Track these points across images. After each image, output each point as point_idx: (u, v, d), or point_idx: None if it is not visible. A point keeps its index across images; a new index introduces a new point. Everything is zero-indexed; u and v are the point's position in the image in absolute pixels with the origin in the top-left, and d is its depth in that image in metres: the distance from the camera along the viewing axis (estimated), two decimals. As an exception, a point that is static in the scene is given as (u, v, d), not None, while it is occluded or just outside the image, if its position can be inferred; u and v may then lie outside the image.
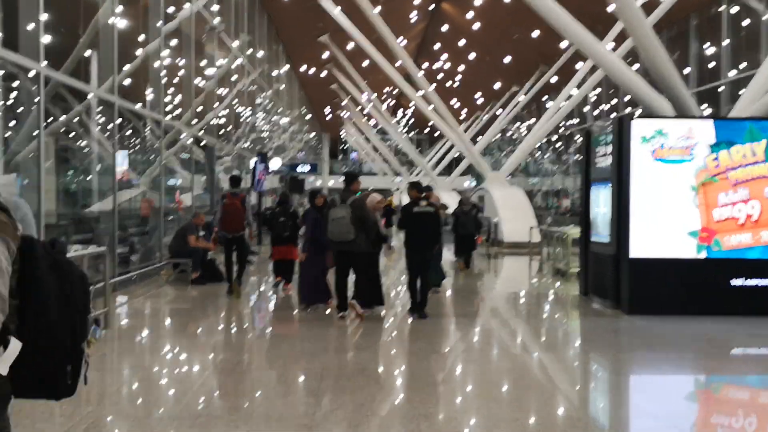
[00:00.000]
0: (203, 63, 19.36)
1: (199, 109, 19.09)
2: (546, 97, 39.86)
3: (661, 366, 6.90)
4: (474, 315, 10.06)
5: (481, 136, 35.66)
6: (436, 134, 59.29)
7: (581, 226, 11.10)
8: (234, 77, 23.46)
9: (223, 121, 23.19)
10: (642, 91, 10.40)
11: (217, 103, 20.39)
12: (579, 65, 30.00)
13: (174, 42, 16.36)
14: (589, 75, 25.68)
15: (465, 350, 7.55)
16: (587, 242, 10.72)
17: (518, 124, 46.64)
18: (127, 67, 13.03)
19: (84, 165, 14.46)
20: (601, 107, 34.83)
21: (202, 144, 19.11)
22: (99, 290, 8.04)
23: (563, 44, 30.01)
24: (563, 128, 36.97)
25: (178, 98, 17.04)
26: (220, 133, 23.24)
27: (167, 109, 16.50)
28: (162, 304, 10.60)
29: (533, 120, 44.22)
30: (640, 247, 9.23)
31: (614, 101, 32.88)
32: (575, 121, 36.27)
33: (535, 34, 30.37)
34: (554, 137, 40.09)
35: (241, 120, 24.61)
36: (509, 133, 48.63)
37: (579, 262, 11.27)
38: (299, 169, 31.87)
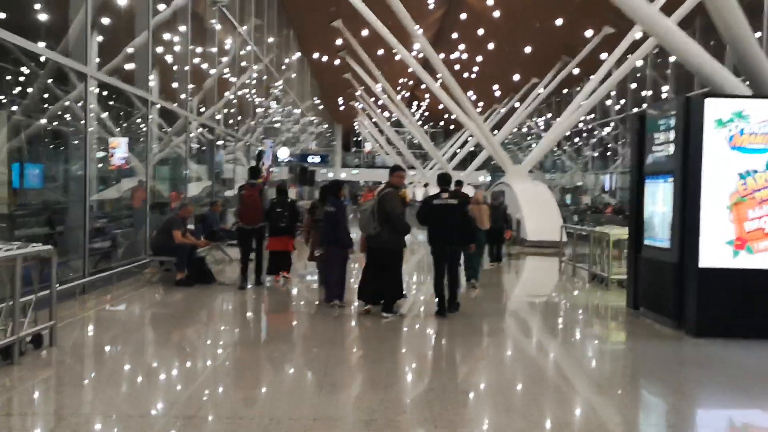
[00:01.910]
0: (209, 48, 17.59)
1: (195, 90, 17.40)
2: (566, 90, 37.99)
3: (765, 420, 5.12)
4: (501, 332, 8.27)
5: (496, 131, 33.79)
6: (451, 127, 57.51)
7: (631, 227, 9.28)
8: (242, 63, 21.75)
9: (230, 110, 21.52)
10: (713, 70, 8.53)
11: (217, 89, 18.58)
12: (603, 56, 28.20)
13: (175, 24, 14.66)
14: (615, 68, 23.74)
15: (491, 391, 5.78)
16: (637, 246, 8.92)
17: (535, 118, 44.68)
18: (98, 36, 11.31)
19: (58, 149, 12.78)
20: (621, 102, 32.95)
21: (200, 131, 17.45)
22: (45, 299, 6.36)
23: (588, 33, 28.20)
24: (584, 121, 34.98)
25: (176, 82, 15.27)
26: (229, 122, 21.65)
27: (160, 89, 14.86)
28: (135, 310, 8.83)
29: (549, 114, 42.43)
30: (713, 255, 7.42)
31: (643, 93, 31.00)
32: (591, 117, 34.33)
33: (558, 22, 28.52)
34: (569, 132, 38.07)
35: (249, 108, 22.84)
36: (526, 128, 46.61)
37: (627, 270, 9.46)
38: (309, 160, 30.08)
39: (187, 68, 14.66)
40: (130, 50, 12.00)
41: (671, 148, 7.96)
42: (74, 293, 8.82)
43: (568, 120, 22.54)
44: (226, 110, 20.68)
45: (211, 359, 6.37)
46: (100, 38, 10.57)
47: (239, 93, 21.69)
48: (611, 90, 24.15)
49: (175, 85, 15.30)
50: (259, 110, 24.91)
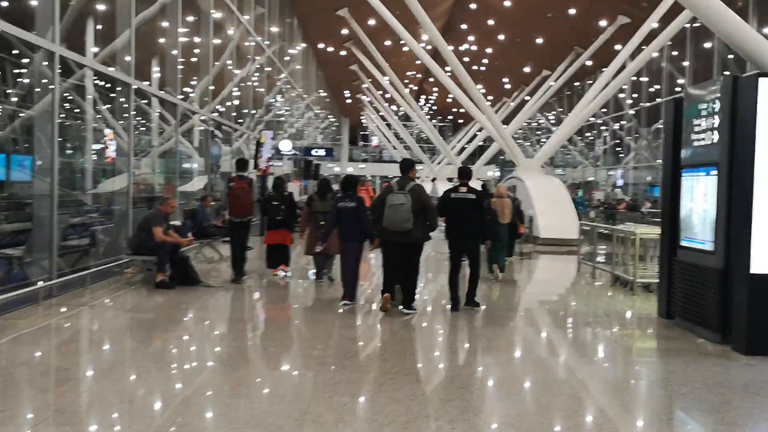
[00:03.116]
0: (208, 37, 16.53)
1: (194, 82, 16.39)
2: (577, 83, 36.73)
3: None
4: (518, 344, 7.20)
5: (505, 126, 32.58)
6: (459, 122, 56.36)
7: (664, 226, 8.17)
8: (243, 53, 20.70)
9: (232, 102, 20.50)
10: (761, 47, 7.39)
11: (210, 75, 17.51)
12: (618, 47, 26.96)
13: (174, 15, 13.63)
14: (629, 60, 22.52)
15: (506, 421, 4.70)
16: (672, 248, 7.81)
17: (544, 112, 43.41)
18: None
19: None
20: (634, 95, 31.67)
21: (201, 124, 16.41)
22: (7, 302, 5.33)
23: (602, 23, 26.95)
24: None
25: (168, 69, 14.19)
26: (233, 114, 20.63)
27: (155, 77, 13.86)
28: (100, 318, 7.64)
29: (561, 108, 41.16)
30: (767, 259, 6.32)
31: (657, 87, 29.74)
32: (603, 110, 33.03)
33: (571, 12, 27.30)
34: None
35: (249, 100, 21.75)
36: (535, 122, 45.35)
37: (659, 274, 8.36)
38: (314, 153, 28.97)
39: (175, 51, 13.58)
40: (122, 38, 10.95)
41: (715, 136, 6.85)
42: (36, 298, 7.78)
43: (582, 112, 21.33)
44: (228, 102, 19.67)
45: (182, 384, 5.31)
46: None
47: (240, 83, 20.63)
48: (627, 82, 22.85)
49: (156, 69, 14.27)
50: (263, 101, 23.88)
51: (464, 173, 8.43)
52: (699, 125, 7.22)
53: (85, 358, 6.07)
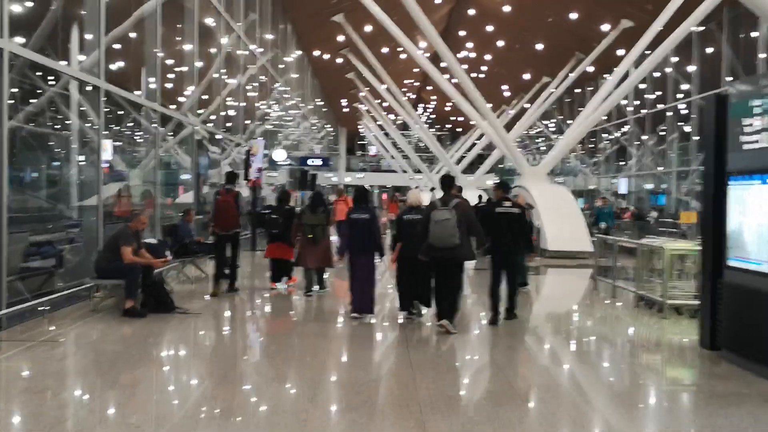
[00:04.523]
0: (200, 45, 15.43)
1: (188, 91, 15.28)
2: (578, 90, 35.63)
3: None
4: (538, 390, 6.00)
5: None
6: (458, 130, 55.27)
7: (706, 243, 6.99)
8: (234, 60, 19.59)
9: (227, 111, 19.41)
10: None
11: (198, 82, 16.38)
12: (620, 52, 25.88)
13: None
14: (634, 66, 21.38)
15: None
16: (717, 267, 6.64)
17: (544, 120, 42.29)
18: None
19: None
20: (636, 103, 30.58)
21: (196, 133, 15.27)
22: None
23: (604, 27, 25.86)
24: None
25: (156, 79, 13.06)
26: (227, 125, 19.54)
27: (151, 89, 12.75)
28: (52, 360, 6.23)
29: (561, 116, 40.04)
30: None
31: (658, 93, 28.67)
32: (604, 117, 31.85)
33: (573, 16, 26.20)
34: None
35: (240, 109, 20.60)
36: (535, 130, 44.22)
37: (700, 297, 7.18)
38: (310, 163, 27.76)
39: (158, 53, 12.44)
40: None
41: (774, 138, 5.70)
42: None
43: (589, 118, 20.16)
44: (223, 112, 18.59)
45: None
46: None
47: (231, 92, 19.50)
48: (635, 86, 21.73)
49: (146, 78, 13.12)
50: (255, 110, 22.75)
51: (504, 187, 8.51)
52: (750, 125, 6.07)
53: (11, 416, 4.87)
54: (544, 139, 44.19)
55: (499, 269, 8.18)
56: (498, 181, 9.07)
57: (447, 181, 7.95)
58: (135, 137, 16.25)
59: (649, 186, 30.53)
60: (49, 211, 11.12)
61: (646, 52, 20.32)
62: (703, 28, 22.75)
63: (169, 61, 15.32)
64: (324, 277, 10.27)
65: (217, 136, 18.14)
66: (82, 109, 10.00)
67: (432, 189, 40.45)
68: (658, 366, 6.83)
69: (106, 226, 9.68)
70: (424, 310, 8.28)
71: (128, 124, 16.14)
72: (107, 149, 10.92)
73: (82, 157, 10.82)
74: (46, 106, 11.30)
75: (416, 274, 7.94)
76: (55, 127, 12.20)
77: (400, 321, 8.13)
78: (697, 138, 24.52)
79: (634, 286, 9.48)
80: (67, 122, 10.98)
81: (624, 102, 30.65)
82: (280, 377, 5.85)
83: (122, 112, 15.04)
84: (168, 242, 10.64)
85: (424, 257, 7.47)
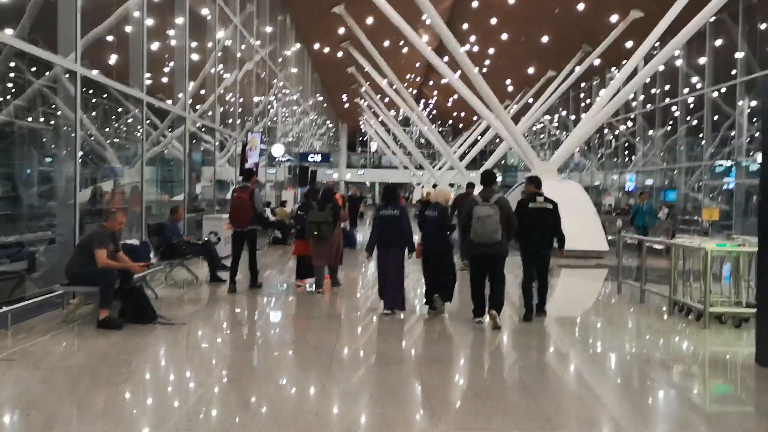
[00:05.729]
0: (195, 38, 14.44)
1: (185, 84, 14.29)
2: (584, 84, 34.61)
3: None
4: (576, 418, 5.03)
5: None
6: (460, 126, 54.37)
7: (764, 243, 6.02)
8: (230, 53, 18.60)
9: (225, 106, 18.45)
10: None
11: (188, 75, 15.38)
12: (629, 44, 24.89)
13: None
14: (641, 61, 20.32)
15: None
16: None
17: (549, 114, 41.29)
18: None
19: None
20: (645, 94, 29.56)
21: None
22: None
23: (613, 19, 24.82)
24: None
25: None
26: (228, 120, 18.61)
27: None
28: (5, 381, 5.41)
29: (564, 112, 39.04)
30: None
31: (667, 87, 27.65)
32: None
33: (580, 7, 25.17)
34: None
35: (236, 103, 19.61)
36: (539, 125, 43.21)
37: (757, 306, 6.21)
38: (310, 159, 26.79)
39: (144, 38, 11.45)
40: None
41: None
42: None
43: (598, 114, 19.14)
44: (216, 107, 17.61)
45: None
46: None
47: (228, 85, 18.52)
48: (646, 79, 20.75)
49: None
50: (252, 104, 21.77)
51: (536, 182, 8.31)
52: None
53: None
54: (548, 133, 43.21)
55: (531, 265, 8.10)
56: (530, 176, 8.89)
57: (488, 177, 7.84)
58: (130, 131, 15.34)
59: (652, 182, 29.54)
60: (20, 209, 10.15)
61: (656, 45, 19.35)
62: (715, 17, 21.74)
63: (154, 47, 14.34)
64: (338, 275, 10.12)
65: (215, 133, 17.20)
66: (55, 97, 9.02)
67: (434, 185, 39.59)
68: (708, 389, 5.83)
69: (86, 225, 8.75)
70: (442, 305, 8.27)
71: (114, 115, 15.27)
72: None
73: (60, 151, 9.87)
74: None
75: (435, 270, 8.12)
76: (27, 119, 11.22)
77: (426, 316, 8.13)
78: (704, 132, 23.52)
79: (668, 291, 8.49)
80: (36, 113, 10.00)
81: (630, 96, 29.65)
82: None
83: (113, 106, 14.15)
84: (151, 243, 9.67)
85: (465, 258, 7.60)
